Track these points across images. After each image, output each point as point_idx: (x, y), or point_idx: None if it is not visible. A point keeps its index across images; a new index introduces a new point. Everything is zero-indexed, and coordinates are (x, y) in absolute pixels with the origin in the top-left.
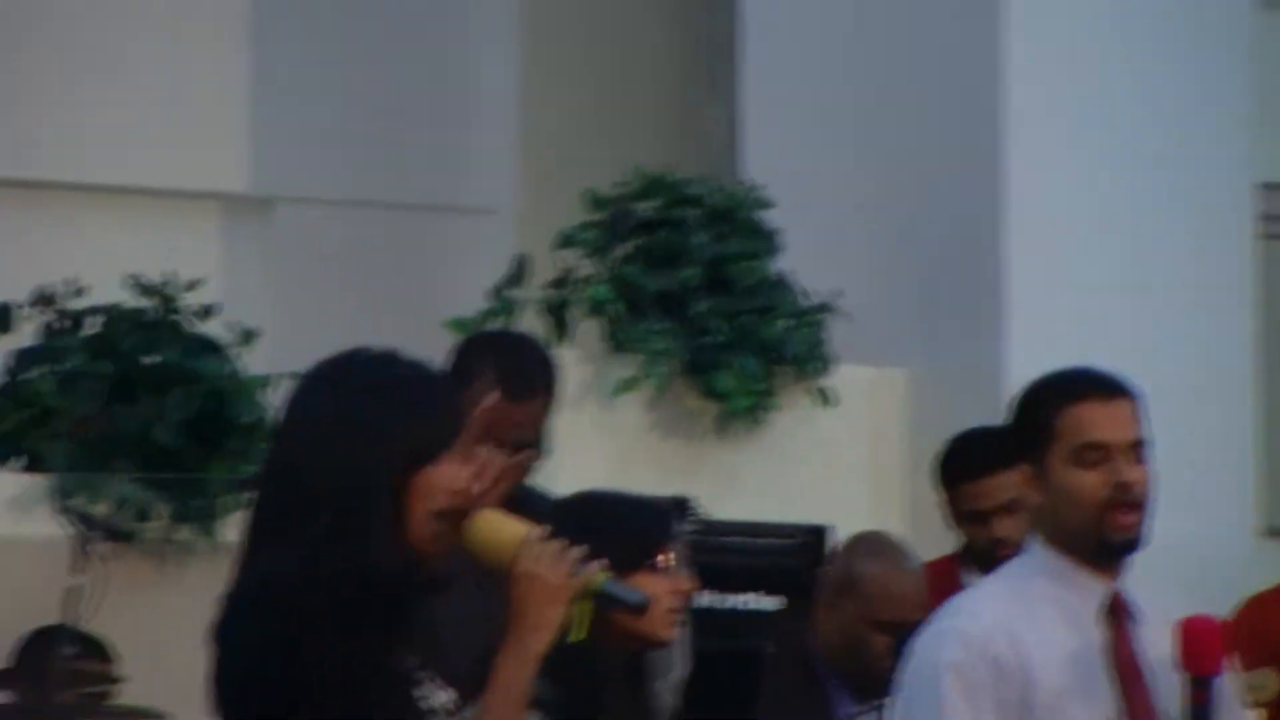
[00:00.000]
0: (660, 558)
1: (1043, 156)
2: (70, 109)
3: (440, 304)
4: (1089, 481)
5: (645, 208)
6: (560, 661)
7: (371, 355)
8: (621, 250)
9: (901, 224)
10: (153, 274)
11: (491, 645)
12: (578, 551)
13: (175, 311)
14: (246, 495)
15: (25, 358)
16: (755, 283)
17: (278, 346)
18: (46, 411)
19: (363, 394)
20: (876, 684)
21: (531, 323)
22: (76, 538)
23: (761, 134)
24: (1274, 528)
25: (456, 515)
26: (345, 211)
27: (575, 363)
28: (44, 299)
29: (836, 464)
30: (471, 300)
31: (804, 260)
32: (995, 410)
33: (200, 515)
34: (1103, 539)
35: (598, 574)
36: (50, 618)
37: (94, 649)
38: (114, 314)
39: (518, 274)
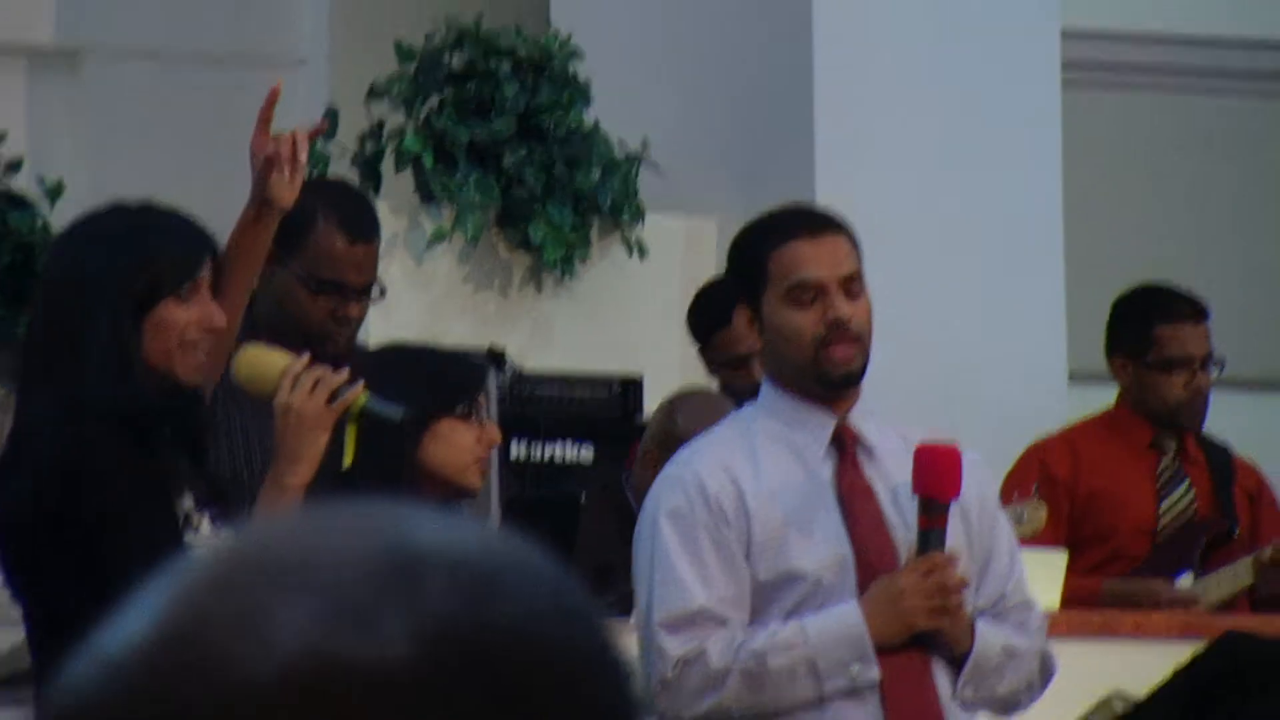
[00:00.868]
0: (467, 406)
1: (852, 4)
2: None
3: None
4: (803, 320)
5: (456, 59)
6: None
7: (114, 208)
8: (433, 102)
9: (710, 72)
10: None
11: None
12: (337, 378)
13: None
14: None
15: None
16: (567, 133)
17: (86, 201)
18: None
19: (89, 244)
20: None
21: (343, 175)
22: None
23: None
24: (1083, 371)
25: (216, 348)
26: (154, 63)
27: (387, 215)
28: None
29: (649, 314)
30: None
31: (615, 110)
32: None
33: (9, 369)
34: (820, 374)
35: (358, 396)
36: None
37: None
38: None
39: (329, 126)
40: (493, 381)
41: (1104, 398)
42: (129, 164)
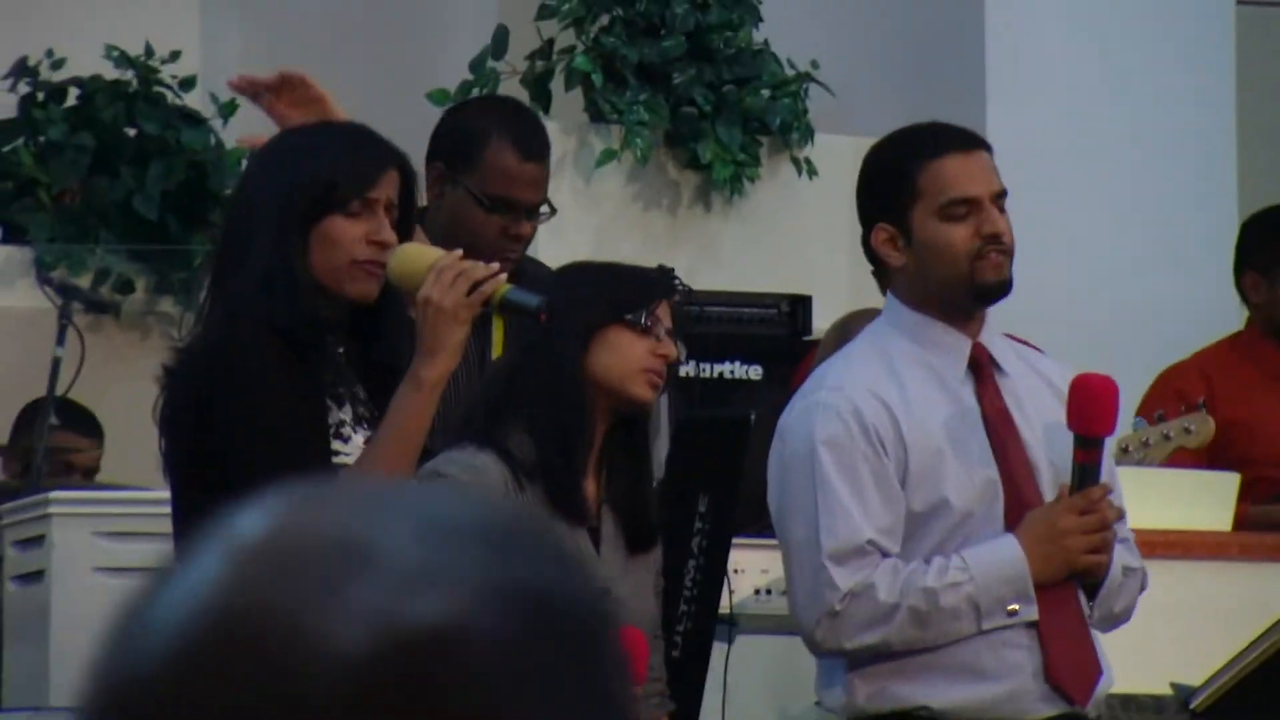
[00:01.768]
0: (641, 318)
1: None
2: None
3: (422, 76)
4: (959, 235)
5: None
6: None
7: (305, 126)
8: (603, 21)
9: None
10: (133, 46)
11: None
12: (481, 270)
13: (156, 83)
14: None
15: (5, 130)
16: (736, 52)
17: (259, 118)
18: (27, 183)
19: (264, 161)
20: None
21: (512, 94)
22: (60, 309)
23: None
24: None
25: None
26: None
27: (557, 134)
28: (23, 70)
29: (817, 234)
30: (453, 72)
31: (785, 30)
32: None
33: (182, 287)
34: (976, 286)
35: (499, 287)
36: (36, 389)
37: (81, 422)
38: (94, 86)
39: (498, 45)
40: (678, 305)
41: None
42: None
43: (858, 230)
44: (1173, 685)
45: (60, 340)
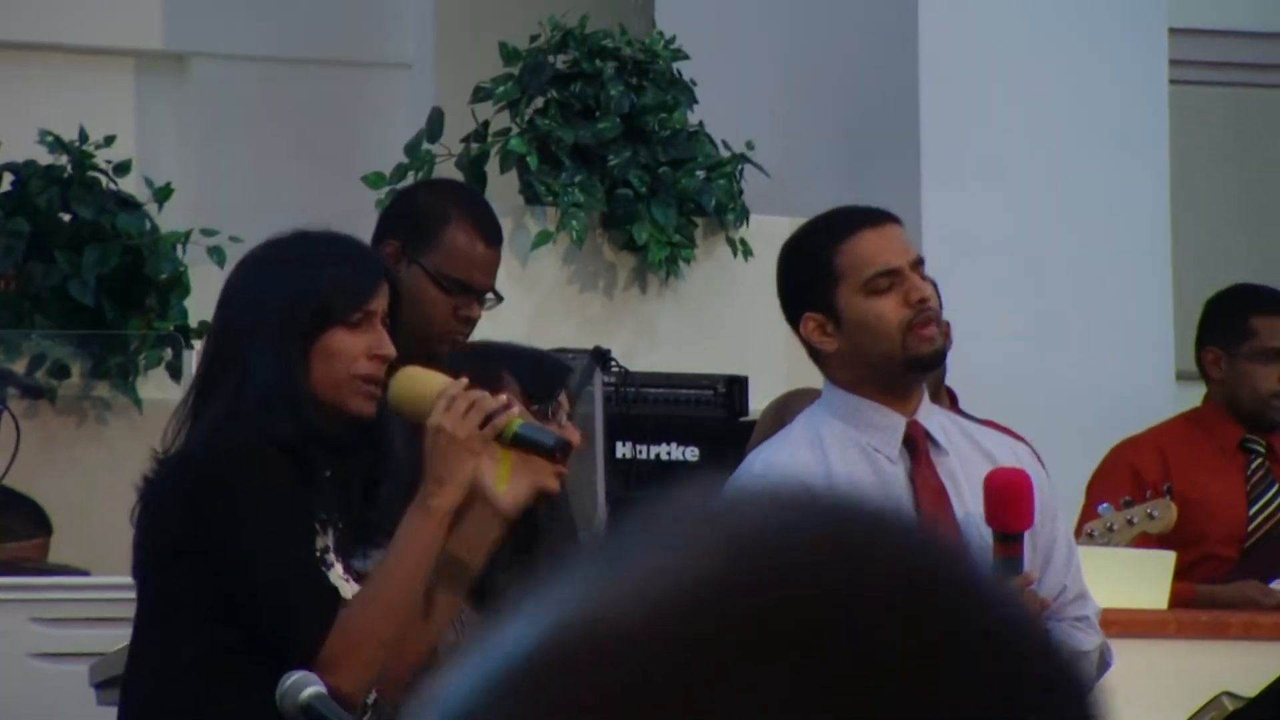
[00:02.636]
0: (544, 409)
1: (957, 5)
2: None
3: (356, 159)
4: (887, 307)
5: (561, 61)
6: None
7: (289, 235)
8: (538, 103)
9: (817, 74)
10: (68, 131)
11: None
12: (492, 402)
13: (91, 168)
14: (168, 350)
15: None
16: (671, 134)
17: (194, 202)
18: None
19: (266, 264)
20: None
21: (448, 176)
22: None
23: None
24: (1191, 370)
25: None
26: (261, 66)
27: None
28: None
29: (753, 315)
30: (388, 155)
31: (720, 112)
32: None
33: (119, 371)
34: (910, 356)
35: (511, 420)
36: None
37: (26, 509)
38: (29, 171)
39: (434, 128)
40: (595, 381)
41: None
42: (236, 167)
43: None
44: None
45: None
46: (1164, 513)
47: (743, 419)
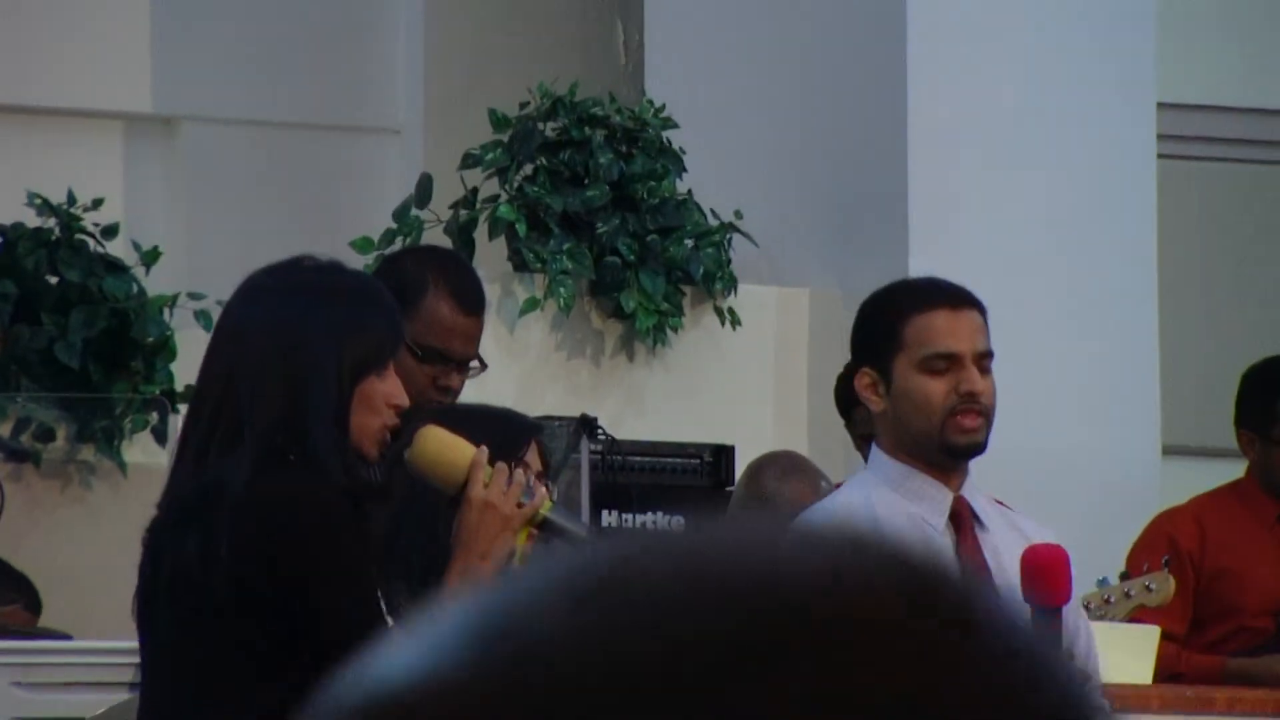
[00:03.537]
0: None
1: (947, 76)
2: None
3: (345, 224)
4: (935, 389)
5: (550, 128)
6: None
7: (317, 263)
8: (527, 170)
9: (806, 144)
10: (56, 194)
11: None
12: (523, 478)
13: (78, 231)
14: (154, 414)
15: None
16: (660, 202)
17: (181, 266)
18: None
19: (312, 299)
20: None
21: (436, 242)
22: None
23: (666, 53)
24: (1177, 445)
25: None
26: (249, 131)
27: (480, 283)
28: None
29: (741, 384)
30: (376, 220)
31: (709, 180)
32: None
33: (104, 435)
34: (945, 442)
35: (545, 502)
36: None
37: (14, 579)
38: (16, 234)
39: (422, 194)
40: (581, 449)
41: (1197, 471)
42: (224, 231)
43: (781, 380)
44: None
45: None
46: (1161, 585)
47: (729, 488)
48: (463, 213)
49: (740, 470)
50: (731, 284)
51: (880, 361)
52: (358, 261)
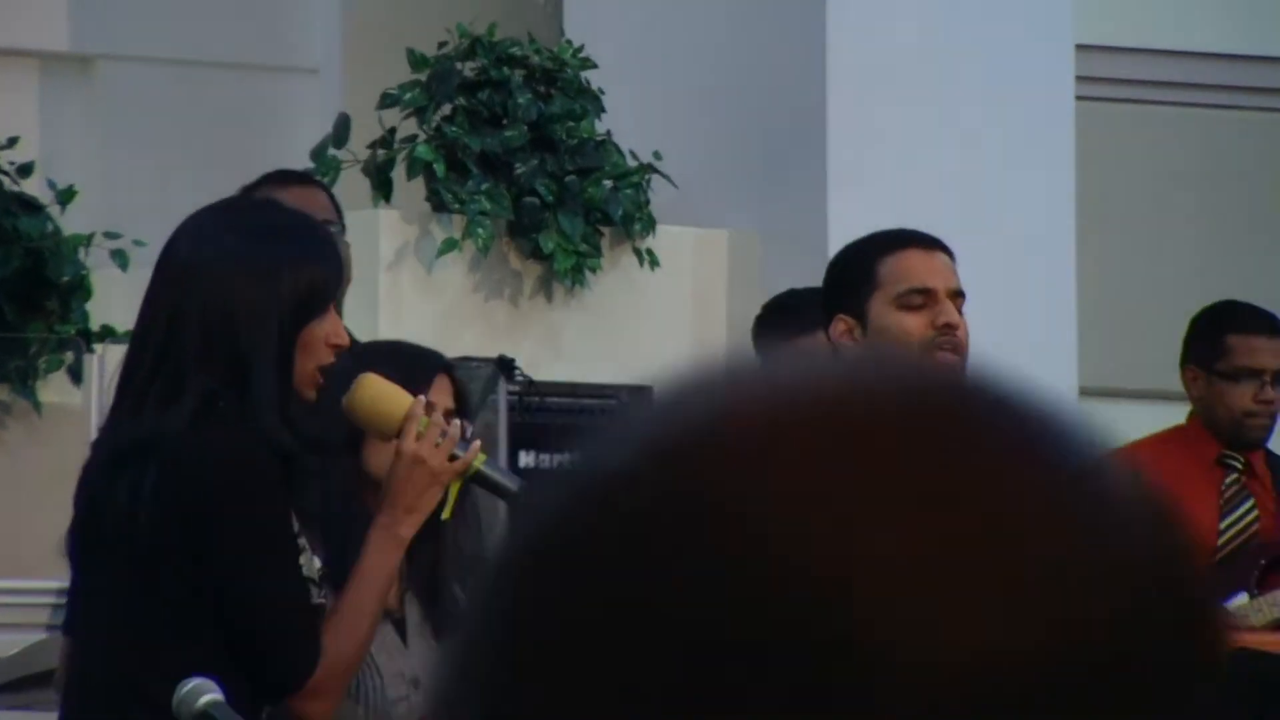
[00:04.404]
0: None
1: (865, 17)
2: None
3: (262, 164)
4: (913, 323)
5: (469, 68)
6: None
7: (256, 203)
8: (445, 110)
9: (724, 85)
10: None
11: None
12: (457, 431)
13: None
14: (69, 354)
15: None
16: (579, 143)
17: (98, 206)
18: None
19: (252, 240)
20: None
21: (354, 183)
22: None
23: None
24: (1094, 387)
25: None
26: (167, 70)
27: (398, 223)
28: None
29: (659, 325)
30: (294, 160)
31: (628, 121)
32: (818, 271)
33: (19, 375)
34: None
35: (477, 456)
36: None
37: None
38: None
39: (340, 134)
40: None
41: (1114, 413)
42: (141, 170)
43: (699, 321)
44: None
45: None
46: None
47: None
48: (380, 153)
49: None
50: (650, 225)
51: (856, 304)
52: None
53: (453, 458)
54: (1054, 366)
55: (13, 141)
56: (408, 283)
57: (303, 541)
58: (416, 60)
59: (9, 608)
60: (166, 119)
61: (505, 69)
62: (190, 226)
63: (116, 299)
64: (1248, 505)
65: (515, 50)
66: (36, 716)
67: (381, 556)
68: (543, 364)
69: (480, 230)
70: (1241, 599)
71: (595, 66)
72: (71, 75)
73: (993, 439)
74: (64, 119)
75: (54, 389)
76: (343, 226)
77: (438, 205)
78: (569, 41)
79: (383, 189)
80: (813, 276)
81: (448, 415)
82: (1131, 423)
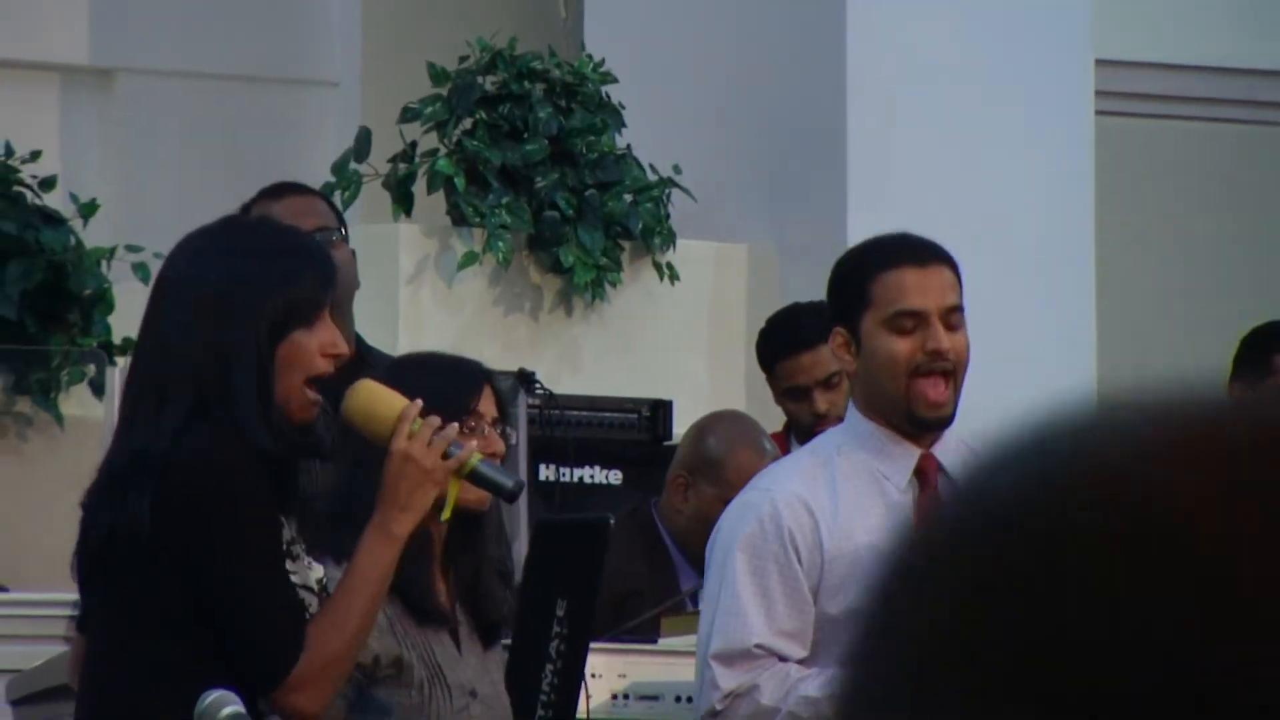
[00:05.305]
0: (469, 418)
1: (885, 34)
2: None
3: (283, 178)
4: (900, 348)
5: (489, 82)
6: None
7: (243, 222)
8: (465, 124)
9: (745, 99)
10: None
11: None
12: (452, 431)
13: (15, 183)
14: (91, 367)
15: None
16: (599, 157)
17: (119, 219)
18: None
19: (236, 257)
20: None
21: (375, 197)
22: None
23: (605, 8)
24: None
25: (329, 380)
26: (188, 83)
27: (419, 237)
28: None
29: (679, 339)
30: (314, 174)
31: (648, 135)
32: None
33: (40, 388)
34: (910, 411)
35: (472, 455)
36: None
37: None
38: None
39: (361, 148)
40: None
41: None
42: (161, 183)
43: (718, 335)
44: None
45: None
46: None
47: (666, 443)
48: (401, 166)
49: (677, 424)
50: (670, 239)
51: (851, 320)
52: None
53: (446, 456)
54: (1073, 380)
55: (35, 155)
56: (428, 296)
57: (300, 549)
58: (437, 74)
59: (31, 619)
60: (187, 132)
61: (526, 83)
62: (180, 247)
63: (138, 312)
64: None
65: (536, 64)
66: None
67: (374, 554)
68: (563, 377)
69: (500, 244)
70: None
71: (615, 80)
72: (92, 89)
73: None
74: (85, 132)
75: (75, 402)
76: (344, 233)
77: (458, 219)
78: (589, 56)
79: (403, 203)
80: None
81: (493, 424)
82: None
